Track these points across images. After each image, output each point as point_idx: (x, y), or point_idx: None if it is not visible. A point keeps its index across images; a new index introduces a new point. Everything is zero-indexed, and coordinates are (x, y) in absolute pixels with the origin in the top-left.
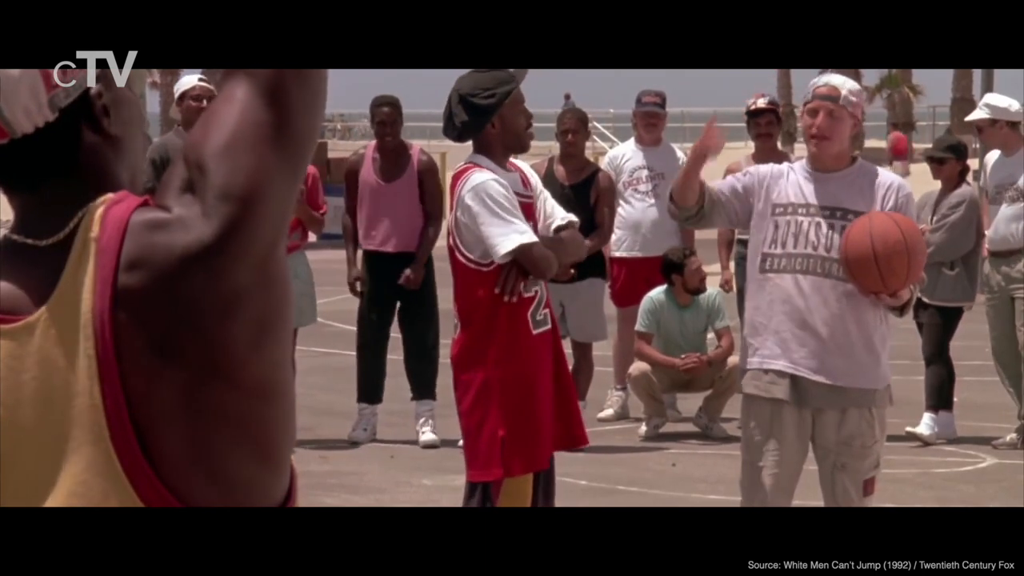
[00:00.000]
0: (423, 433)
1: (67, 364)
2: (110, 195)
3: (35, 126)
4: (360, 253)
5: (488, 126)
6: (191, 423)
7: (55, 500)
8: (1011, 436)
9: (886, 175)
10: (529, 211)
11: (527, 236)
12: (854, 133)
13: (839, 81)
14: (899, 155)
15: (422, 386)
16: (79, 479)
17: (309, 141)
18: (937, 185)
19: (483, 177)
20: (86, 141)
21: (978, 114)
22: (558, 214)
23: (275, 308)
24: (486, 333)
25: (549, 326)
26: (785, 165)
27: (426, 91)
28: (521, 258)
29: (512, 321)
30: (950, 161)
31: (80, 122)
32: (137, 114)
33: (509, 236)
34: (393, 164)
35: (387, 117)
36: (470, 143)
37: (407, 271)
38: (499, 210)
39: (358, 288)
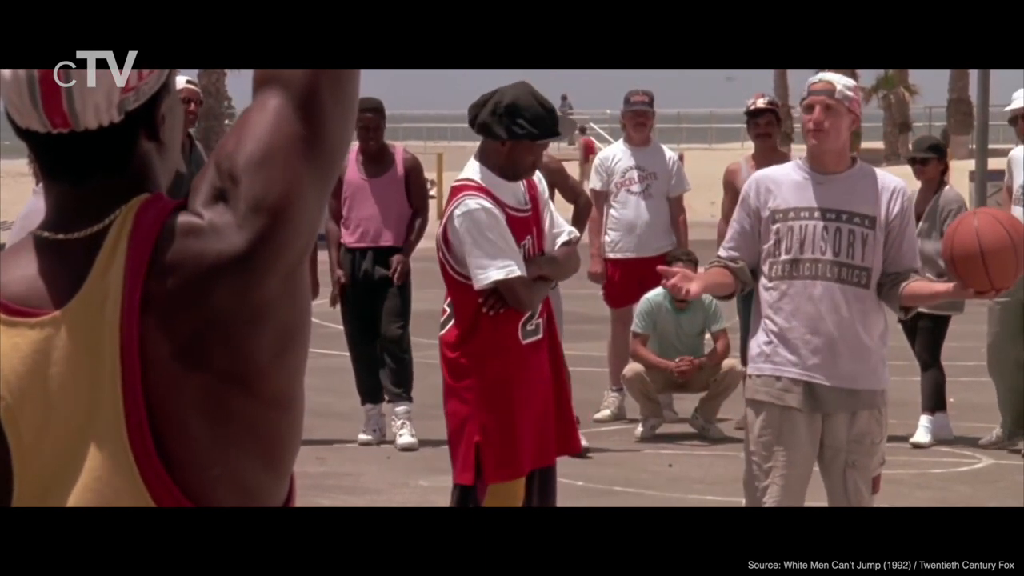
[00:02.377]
0: (400, 436)
1: (91, 360)
2: (145, 195)
3: (99, 124)
4: (342, 251)
5: (499, 143)
6: (207, 427)
7: (73, 492)
8: (996, 432)
9: (888, 178)
10: (525, 226)
11: (506, 271)
12: (853, 129)
13: (835, 77)
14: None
15: (396, 387)
16: (95, 474)
17: (341, 153)
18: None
19: (473, 204)
20: (141, 145)
21: (1018, 103)
22: (562, 227)
23: (298, 319)
24: (471, 339)
25: (541, 336)
26: (785, 165)
27: (424, 92)
28: (501, 290)
29: (499, 330)
30: (932, 161)
31: (140, 126)
32: (180, 121)
33: (487, 271)
34: (377, 162)
35: (370, 123)
36: (467, 145)
37: (396, 259)
38: (483, 242)
39: (339, 289)
